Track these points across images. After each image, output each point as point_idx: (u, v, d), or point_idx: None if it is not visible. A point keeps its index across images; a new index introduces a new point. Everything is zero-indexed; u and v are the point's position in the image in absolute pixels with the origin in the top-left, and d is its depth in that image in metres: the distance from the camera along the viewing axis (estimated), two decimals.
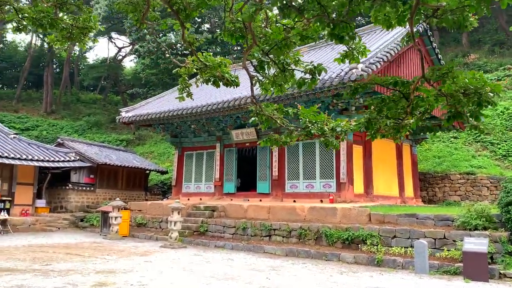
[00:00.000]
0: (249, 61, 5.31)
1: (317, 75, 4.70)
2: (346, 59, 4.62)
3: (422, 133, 21.41)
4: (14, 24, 4.64)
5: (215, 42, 36.86)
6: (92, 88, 58.11)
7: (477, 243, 9.38)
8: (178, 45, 35.21)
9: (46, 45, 46.67)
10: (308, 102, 16.56)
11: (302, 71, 4.80)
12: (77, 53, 53.37)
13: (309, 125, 5.13)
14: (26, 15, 4.44)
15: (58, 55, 51.12)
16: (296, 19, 3.77)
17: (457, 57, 37.81)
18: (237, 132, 19.67)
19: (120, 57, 51.77)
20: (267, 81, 5.16)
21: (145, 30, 36.62)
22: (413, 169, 20.42)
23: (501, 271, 9.42)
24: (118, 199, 17.78)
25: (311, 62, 4.61)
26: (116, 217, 16.72)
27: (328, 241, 12.98)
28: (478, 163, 22.97)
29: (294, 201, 17.26)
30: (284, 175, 18.10)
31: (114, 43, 52.96)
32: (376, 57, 14.36)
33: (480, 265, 9.12)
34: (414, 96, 4.27)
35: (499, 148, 24.91)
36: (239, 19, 4.41)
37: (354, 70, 13.60)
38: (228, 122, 19.74)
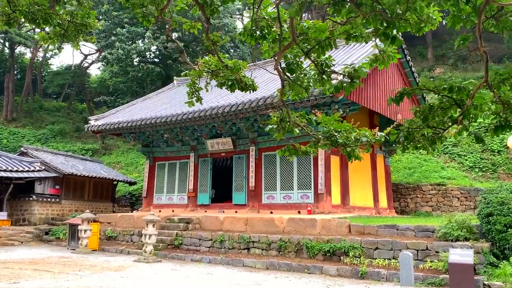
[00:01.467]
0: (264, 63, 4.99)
1: (356, 79, 4.46)
2: (374, 63, 4.40)
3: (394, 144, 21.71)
4: (4, 18, 4.17)
5: (186, 50, 36.38)
6: (55, 95, 56.17)
7: (462, 255, 9.37)
8: (148, 53, 34.56)
9: (7, 50, 44.83)
10: None
11: (342, 74, 4.56)
12: (40, 59, 51.58)
13: (335, 134, 4.86)
14: (19, 7, 3.99)
15: (20, 60, 49.20)
16: (347, 16, 3.52)
17: (423, 71, 38.91)
18: (213, 142, 19.29)
19: (86, 64, 50.35)
20: (297, 84, 4.87)
21: (113, 37, 35.78)
22: (386, 180, 20.59)
23: (485, 282, 9.45)
24: (88, 211, 16.99)
25: (351, 65, 4.39)
26: (85, 230, 15.93)
27: (309, 253, 12.75)
28: (447, 174, 23.48)
29: (271, 212, 16.99)
30: (261, 185, 17.82)
31: (80, 49, 51.43)
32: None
33: (466, 277, 9.11)
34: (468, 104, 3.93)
35: (466, 160, 25.59)
36: (265, 17, 4.13)
37: (334, 81, 13.51)
38: (204, 131, 19.33)
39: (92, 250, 16.33)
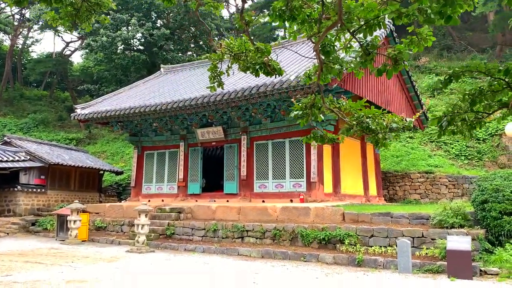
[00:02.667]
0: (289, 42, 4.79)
1: (401, 62, 4.32)
2: (409, 47, 4.25)
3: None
4: None
5: (172, 38, 35.84)
6: (36, 84, 54.88)
7: (460, 242, 9.46)
8: (133, 40, 33.91)
9: None
10: (279, 101, 16.34)
11: (386, 56, 4.40)
12: (20, 46, 50.19)
13: (367, 120, 4.73)
14: None
15: None
16: None
17: (408, 60, 39.10)
18: (203, 131, 19.06)
19: (69, 52, 49.21)
20: (334, 67, 4.71)
21: (97, 24, 34.95)
22: (376, 168, 20.71)
23: (482, 268, 9.56)
24: (76, 201, 16.64)
25: (394, 47, 4.24)
26: (75, 221, 15.62)
27: (304, 242, 12.74)
28: (434, 162, 23.75)
29: (263, 201, 16.93)
30: (252, 175, 17.72)
31: (61, 37, 50.30)
32: (350, 57, 14.28)
33: (464, 263, 9.20)
34: None
35: (452, 148, 25.94)
36: None
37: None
38: (194, 120, 19.08)
39: (82, 241, 16.04)
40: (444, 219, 11.09)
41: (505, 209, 10.32)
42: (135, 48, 35.26)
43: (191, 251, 13.82)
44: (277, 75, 5.00)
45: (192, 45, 38.37)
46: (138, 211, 13.98)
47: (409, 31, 4.09)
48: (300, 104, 5.21)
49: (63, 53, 49.79)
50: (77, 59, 67.34)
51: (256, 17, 5.19)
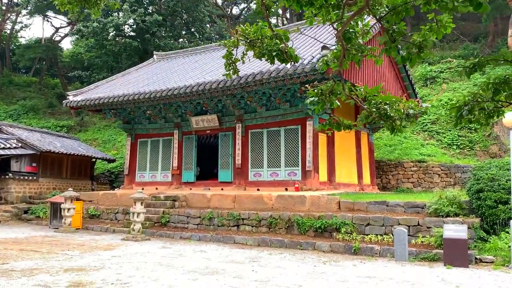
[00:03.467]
0: (303, 26, 4.70)
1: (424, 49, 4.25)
2: (428, 34, 4.17)
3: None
4: None
5: (164, 25, 35.40)
6: (25, 70, 54.01)
7: (456, 230, 9.55)
8: (125, 26, 33.42)
9: None
10: (275, 89, 16.27)
11: (411, 43, 4.32)
12: (8, 31, 49.24)
13: (385, 106, 4.66)
14: None
15: None
16: None
17: (401, 49, 39.14)
18: (197, 119, 18.95)
19: (58, 38, 48.41)
20: (356, 54, 4.63)
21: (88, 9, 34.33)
22: (370, 157, 20.81)
23: (477, 256, 9.70)
24: (70, 189, 16.49)
25: (419, 34, 4.18)
26: (69, 209, 15.51)
27: (300, 230, 12.80)
28: (427, 151, 23.90)
29: (258, 189, 16.95)
30: (247, 163, 17.70)
31: (51, 22, 49.43)
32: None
33: (460, 251, 9.31)
34: None
35: (445, 137, 26.11)
36: None
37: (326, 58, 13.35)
38: (188, 108, 18.94)
39: (76, 229, 15.96)
40: (440, 208, 11.20)
41: (500, 198, 10.44)
42: (127, 35, 34.75)
43: (187, 239, 13.82)
44: (293, 62, 4.92)
45: (184, 32, 37.95)
46: (134, 199, 13.91)
47: (429, 18, 4.03)
48: (315, 91, 5.12)
49: (53, 39, 48.95)
50: (66, 45, 66.33)
51: (278, 2, 5.08)
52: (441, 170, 21.17)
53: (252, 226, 13.82)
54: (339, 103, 5.27)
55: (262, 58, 4.68)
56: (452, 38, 41.19)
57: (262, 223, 13.64)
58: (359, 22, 4.58)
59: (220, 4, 53.93)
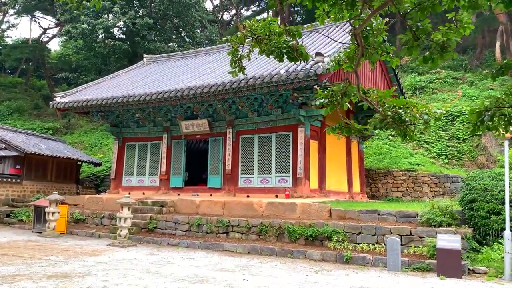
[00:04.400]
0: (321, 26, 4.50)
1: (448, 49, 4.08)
2: (451, 34, 3.99)
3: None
4: None
5: (154, 28, 35.10)
6: (10, 71, 53.12)
7: (449, 240, 9.45)
8: (115, 28, 33.04)
9: None
10: (267, 95, 16.12)
11: (434, 42, 4.15)
12: None
13: (399, 110, 4.47)
14: None
15: None
16: None
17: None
18: (187, 123, 18.68)
19: (46, 39, 47.77)
20: (374, 53, 4.44)
21: (77, 11, 33.93)
22: (360, 165, 20.75)
23: (470, 267, 9.60)
24: (56, 192, 16.09)
25: (442, 33, 4.01)
26: (53, 213, 15.09)
27: (290, 238, 12.60)
28: (416, 160, 23.94)
29: (248, 196, 16.72)
30: (237, 169, 17.47)
31: (38, 23, 48.79)
32: (341, 52, 14.15)
33: (454, 262, 9.21)
34: None
35: (433, 147, 26.22)
36: None
37: (320, 64, 13.29)
38: (178, 112, 18.67)
39: (60, 234, 15.53)
40: (432, 218, 11.10)
41: (493, 209, 10.38)
42: (116, 37, 34.35)
43: (175, 245, 13.51)
44: (302, 61, 4.73)
45: (175, 36, 37.68)
46: (121, 203, 13.58)
47: (449, 17, 3.89)
48: (325, 92, 4.91)
49: (40, 39, 48.28)
50: (54, 46, 65.47)
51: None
52: (431, 180, 21.19)
53: (242, 233, 13.58)
54: (349, 106, 5.08)
55: (270, 56, 4.48)
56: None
57: (252, 230, 13.41)
58: (373, 21, 4.42)
59: (211, 10, 53.87)
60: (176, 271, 9.15)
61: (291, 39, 4.33)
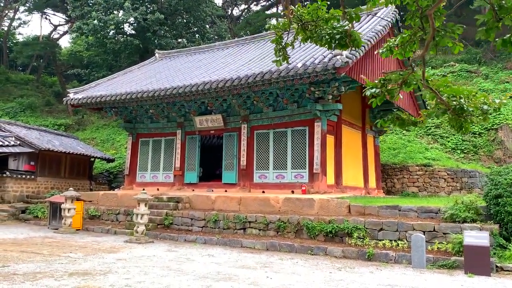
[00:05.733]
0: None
1: None
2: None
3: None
4: None
5: (165, 23, 34.94)
6: (21, 68, 53.41)
7: (477, 237, 9.19)
8: (126, 24, 32.95)
9: None
10: (282, 89, 15.90)
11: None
12: (6, 28, 48.60)
13: (460, 100, 4.23)
14: None
15: None
16: None
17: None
18: (201, 119, 18.54)
19: (56, 36, 47.89)
20: (445, 36, 4.16)
21: (88, 7, 33.89)
22: (376, 160, 20.49)
23: (498, 264, 9.35)
24: (71, 189, 16.04)
25: None
26: (69, 209, 15.05)
27: (309, 234, 12.40)
28: (431, 155, 23.60)
29: (263, 191, 16.55)
30: (252, 164, 17.30)
31: (49, 20, 48.88)
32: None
33: (482, 259, 8.96)
34: None
35: (449, 141, 25.85)
36: None
37: (339, 57, 13.02)
38: (192, 107, 18.52)
39: (76, 230, 15.50)
40: (456, 213, 10.84)
41: None
42: (127, 33, 34.26)
43: (192, 242, 13.40)
44: (354, 48, 4.48)
45: (185, 32, 37.48)
46: (138, 200, 13.47)
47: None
48: (375, 81, 4.66)
49: (51, 36, 48.43)
50: (64, 43, 65.68)
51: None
52: (447, 175, 20.85)
53: (259, 230, 13.42)
54: (401, 96, 4.81)
55: (318, 43, 4.24)
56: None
57: (270, 226, 13.24)
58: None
59: (221, 5, 53.60)
60: (197, 268, 9.01)
61: (341, 24, 4.09)
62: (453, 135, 26.11)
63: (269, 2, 59.50)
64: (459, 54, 38.37)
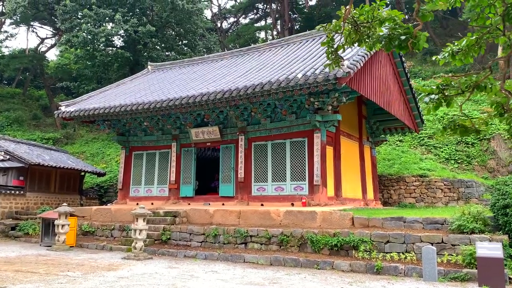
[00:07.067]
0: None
1: None
2: None
3: (382, 136, 21.55)
4: None
5: (157, 36, 34.71)
6: (7, 81, 52.49)
7: (490, 248, 9.01)
8: (117, 37, 32.61)
9: None
10: (281, 100, 15.72)
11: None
12: None
13: None
14: None
15: None
16: None
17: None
18: (197, 131, 18.23)
19: (44, 49, 47.27)
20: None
21: (78, 20, 33.51)
22: (373, 171, 20.37)
23: (510, 276, 9.17)
24: (65, 204, 15.54)
25: None
26: (63, 225, 14.54)
27: (313, 248, 12.13)
28: (426, 166, 23.58)
29: (262, 204, 16.24)
30: (250, 177, 17.00)
31: (36, 33, 48.26)
32: (358, 55, 13.82)
33: (496, 271, 8.76)
34: None
35: (442, 152, 25.88)
36: None
37: (344, 68, 12.87)
38: (188, 119, 18.21)
39: (70, 247, 14.96)
40: (464, 224, 10.68)
41: None
42: (118, 45, 33.92)
43: (192, 257, 13.00)
44: (416, 51, 4.23)
45: (175, 45, 37.25)
46: (136, 214, 13.05)
47: None
48: (431, 87, 4.43)
49: (38, 49, 47.77)
50: (51, 56, 64.88)
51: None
52: (444, 185, 20.81)
53: (261, 244, 13.09)
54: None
55: (374, 47, 4.02)
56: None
57: (272, 240, 12.92)
58: None
59: (210, 18, 53.65)
60: (203, 286, 8.65)
61: (399, 25, 3.87)
62: (446, 145, 26.18)
63: (257, 15, 59.87)
64: (447, 66, 38.83)
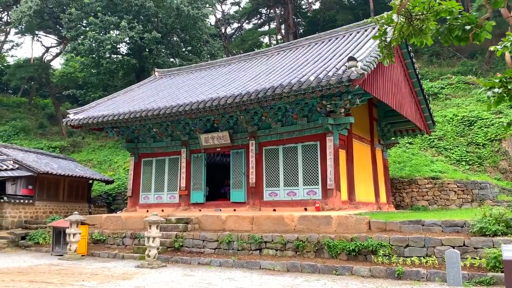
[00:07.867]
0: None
1: None
2: None
3: (393, 138, 21.32)
4: None
5: (162, 42, 34.68)
6: (12, 91, 52.67)
7: None
8: (123, 44, 32.59)
9: None
10: (292, 104, 15.55)
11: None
12: None
13: None
14: None
15: None
16: None
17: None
18: (207, 136, 18.05)
19: (50, 57, 47.37)
20: None
21: (83, 28, 33.56)
22: (385, 174, 20.12)
23: None
24: (76, 212, 15.38)
25: None
26: (75, 234, 14.37)
27: (330, 253, 11.88)
28: (437, 167, 23.30)
29: (274, 209, 16.02)
30: (262, 182, 16.79)
31: (41, 42, 48.44)
32: (371, 56, 13.63)
33: None
34: None
35: (453, 153, 25.61)
36: None
37: (353, 68, 12.70)
38: (198, 125, 18.05)
39: (82, 256, 14.79)
40: (486, 227, 10.42)
41: None
42: (124, 52, 33.90)
43: (206, 264, 12.78)
44: (477, 42, 4.02)
45: (180, 51, 37.22)
46: (149, 222, 12.87)
47: None
48: (494, 81, 4.19)
49: (43, 58, 47.91)
50: (56, 65, 65.11)
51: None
52: (457, 187, 20.52)
53: (276, 250, 12.86)
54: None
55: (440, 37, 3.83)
56: (448, 55, 41.37)
57: (287, 246, 12.69)
58: None
59: (214, 24, 53.69)
60: None
61: (458, 15, 3.69)
62: (457, 147, 25.92)
63: (261, 20, 59.88)
64: (455, 67, 38.60)
